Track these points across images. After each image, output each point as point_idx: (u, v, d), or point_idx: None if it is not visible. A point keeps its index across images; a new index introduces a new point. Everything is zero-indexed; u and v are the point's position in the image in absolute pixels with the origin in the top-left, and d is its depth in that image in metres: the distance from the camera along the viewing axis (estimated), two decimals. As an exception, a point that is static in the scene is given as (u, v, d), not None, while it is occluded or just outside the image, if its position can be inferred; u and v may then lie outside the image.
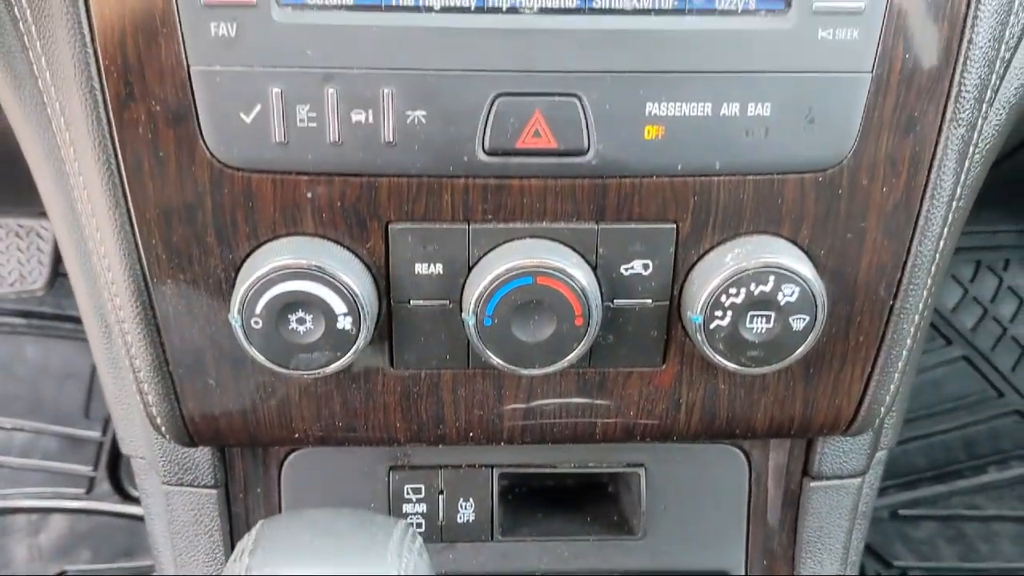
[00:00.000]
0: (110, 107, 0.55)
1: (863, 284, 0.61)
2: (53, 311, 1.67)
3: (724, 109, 0.56)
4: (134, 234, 0.58)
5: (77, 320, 1.61)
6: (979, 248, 1.70)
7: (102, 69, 0.54)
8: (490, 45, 0.54)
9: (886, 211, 0.59)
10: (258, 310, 0.56)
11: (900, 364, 0.65)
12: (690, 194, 0.58)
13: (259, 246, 0.58)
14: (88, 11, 0.53)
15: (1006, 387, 1.75)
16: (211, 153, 0.56)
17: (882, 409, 0.66)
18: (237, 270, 0.58)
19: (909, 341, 0.64)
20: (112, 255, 0.59)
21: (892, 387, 0.65)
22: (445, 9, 0.54)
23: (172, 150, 0.56)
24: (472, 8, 0.54)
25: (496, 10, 0.54)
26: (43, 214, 0.67)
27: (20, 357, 1.66)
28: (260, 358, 0.58)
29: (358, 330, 0.57)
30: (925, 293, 0.62)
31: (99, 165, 0.56)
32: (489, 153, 0.56)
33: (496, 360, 0.59)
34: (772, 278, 0.57)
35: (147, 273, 0.59)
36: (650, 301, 0.61)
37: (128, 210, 0.57)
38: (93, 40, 0.54)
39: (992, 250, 1.73)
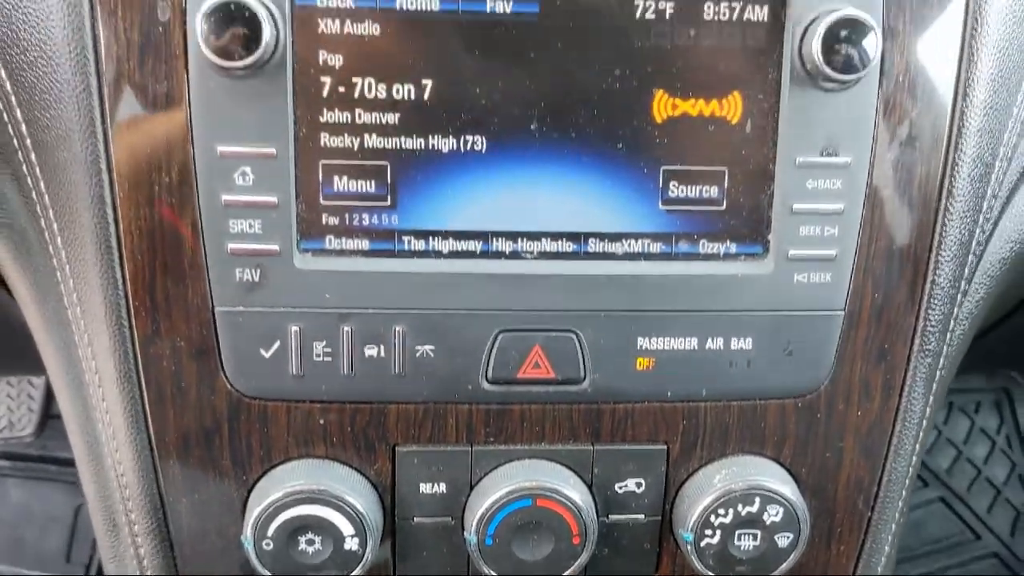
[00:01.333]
0: (137, 343, 0.59)
1: (842, 499, 0.65)
2: (39, 452, 1.67)
3: (709, 343, 0.60)
4: (152, 455, 0.61)
5: (63, 462, 1.62)
6: (951, 391, 1.75)
7: (132, 309, 0.58)
8: (494, 287, 0.59)
9: (861, 433, 0.63)
10: (270, 533, 0.59)
11: (879, 568, 0.68)
12: (679, 418, 0.62)
13: (271, 468, 0.61)
14: (121, 256, 0.57)
15: (983, 529, 1.77)
16: (231, 384, 0.59)
17: None
18: (249, 491, 0.61)
19: (887, 548, 0.68)
20: (130, 473, 0.62)
21: None
22: (453, 254, 0.59)
23: (194, 382, 0.59)
24: (477, 253, 0.59)
25: (499, 255, 0.59)
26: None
27: (3, 499, 1.66)
28: None
29: (364, 550, 0.60)
30: (901, 503, 0.66)
31: (123, 395, 0.60)
32: (492, 382, 0.60)
33: None
34: (758, 499, 0.61)
35: (163, 491, 0.62)
36: (643, 517, 0.64)
37: (148, 434, 0.60)
38: (124, 282, 0.58)
39: (963, 393, 1.78)
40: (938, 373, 0.64)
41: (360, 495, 0.60)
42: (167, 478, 0.61)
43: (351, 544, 0.60)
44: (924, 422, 0.65)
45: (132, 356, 0.59)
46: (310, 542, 0.60)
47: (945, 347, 0.64)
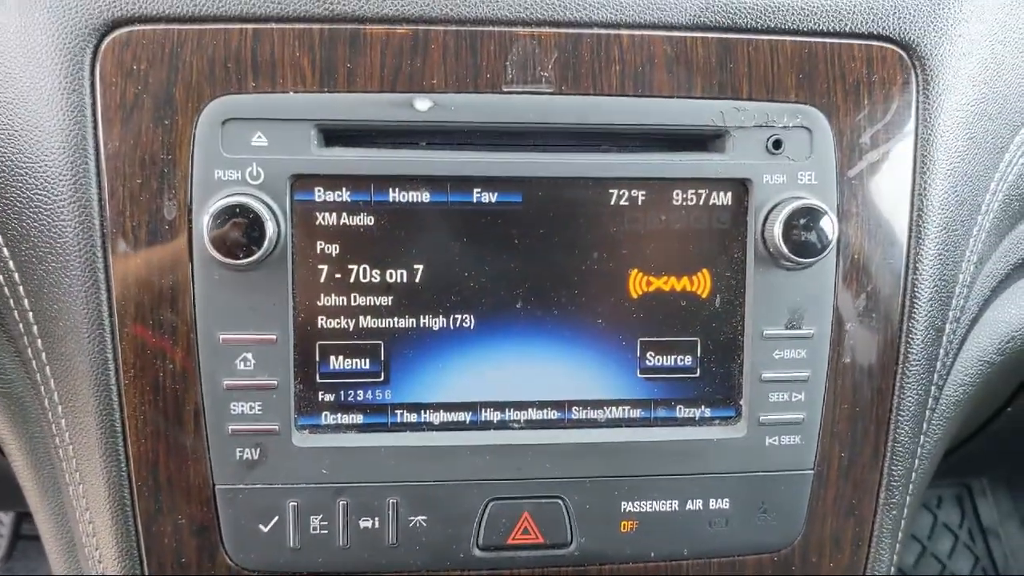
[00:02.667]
0: (139, 521, 0.60)
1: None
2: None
3: (689, 504, 0.64)
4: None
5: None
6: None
7: (135, 489, 0.60)
8: (484, 457, 0.61)
9: (835, 586, 0.67)
10: None
11: None
12: (663, 578, 0.65)
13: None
14: (125, 439, 0.60)
15: (951, 621, 1.79)
16: (230, 559, 0.61)
17: None
18: None
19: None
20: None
21: None
22: (443, 425, 0.62)
23: (195, 558, 0.61)
24: (467, 423, 0.62)
25: (488, 425, 0.62)
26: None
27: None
28: None
29: None
30: None
31: (124, 569, 0.61)
32: (483, 549, 0.63)
33: None
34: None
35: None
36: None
37: (149, 612, 0.62)
38: (128, 463, 0.60)
39: (927, 488, 1.82)
40: (903, 522, 0.68)
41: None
42: (164, 651, 0.63)
43: None
44: (893, 564, 0.68)
45: (134, 533, 0.61)
46: None
47: (908, 497, 0.68)
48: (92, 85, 0.57)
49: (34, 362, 0.61)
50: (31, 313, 0.60)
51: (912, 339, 0.64)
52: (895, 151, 0.63)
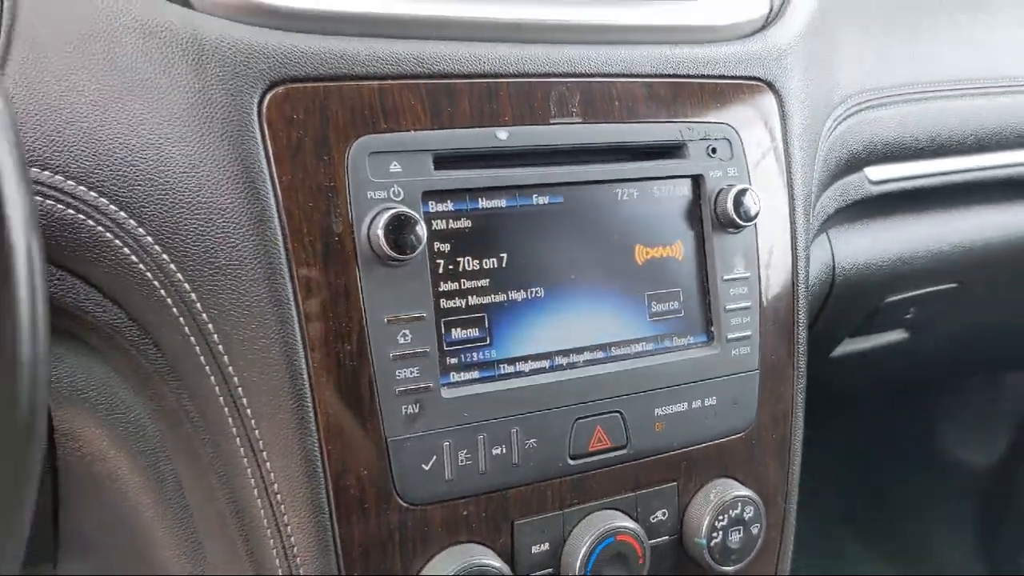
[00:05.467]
0: (329, 478, 0.74)
1: (772, 498, 0.97)
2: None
3: (693, 404, 0.90)
4: (339, 568, 0.76)
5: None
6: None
7: (325, 452, 0.74)
8: (565, 391, 0.83)
9: (775, 449, 0.96)
10: (446, 612, 0.77)
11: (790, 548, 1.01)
12: (681, 461, 0.90)
13: (431, 558, 0.79)
14: (316, 415, 0.74)
15: None
16: (401, 498, 0.77)
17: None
18: (416, 579, 0.79)
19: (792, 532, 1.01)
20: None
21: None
22: (532, 372, 0.83)
23: (374, 502, 0.76)
24: (548, 368, 0.83)
25: (561, 366, 0.84)
26: None
27: None
28: None
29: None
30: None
31: (313, 517, 0.74)
32: (572, 458, 0.84)
33: None
34: (739, 504, 0.91)
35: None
36: (667, 537, 0.90)
37: (336, 552, 0.75)
38: (319, 431, 0.74)
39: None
40: (803, 399, 1.00)
41: (501, 564, 0.80)
42: (350, 584, 0.76)
43: (498, 603, 0.79)
44: (799, 439, 0.99)
45: (325, 488, 0.74)
46: (471, 613, 0.78)
47: (803, 383, 1.00)
48: (261, 130, 0.72)
49: (226, 357, 0.73)
50: (216, 335, 0.73)
51: (797, 269, 0.97)
52: (774, 149, 0.96)
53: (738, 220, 0.90)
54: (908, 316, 1.45)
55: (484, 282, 0.81)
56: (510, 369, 0.82)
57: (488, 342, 0.81)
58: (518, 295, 0.83)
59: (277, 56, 0.74)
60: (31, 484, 0.44)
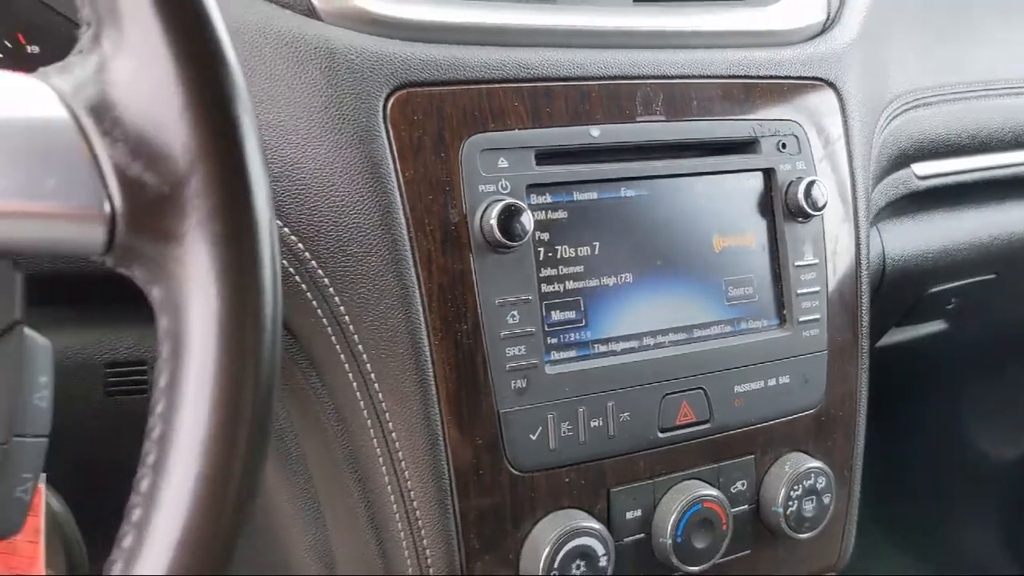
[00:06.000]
0: (449, 449, 0.81)
1: (840, 470, 1.03)
2: None
3: (768, 383, 0.97)
4: (457, 533, 0.82)
5: None
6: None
7: (445, 424, 0.81)
8: (655, 368, 0.90)
9: (842, 426, 1.03)
10: (556, 564, 0.83)
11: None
12: (758, 436, 0.97)
13: (537, 522, 0.85)
14: (436, 388, 0.81)
15: None
16: (511, 465, 0.84)
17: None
18: (521, 543, 0.85)
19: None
20: (438, 560, 0.82)
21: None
22: (624, 351, 0.90)
23: (488, 469, 0.83)
24: (638, 347, 0.90)
25: (649, 346, 0.91)
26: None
27: None
28: None
29: (609, 567, 0.86)
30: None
31: (434, 485, 0.81)
32: (661, 431, 0.91)
33: (687, 568, 0.91)
34: (812, 475, 0.97)
35: (462, 559, 0.83)
36: (747, 507, 0.97)
37: (455, 517, 0.82)
38: (439, 404, 0.81)
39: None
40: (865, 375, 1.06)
41: (601, 527, 0.86)
42: (468, 548, 0.83)
43: (603, 562, 0.86)
44: (864, 417, 1.06)
45: (445, 457, 0.81)
46: (577, 567, 0.85)
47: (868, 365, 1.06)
48: (386, 130, 0.80)
49: (356, 336, 0.80)
50: (344, 305, 0.80)
51: (860, 256, 1.03)
52: (837, 144, 1.03)
53: (808, 210, 0.97)
54: (949, 307, 1.52)
55: (579, 268, 0.88)
56: (604, 348, 0.89)
57: (584, 323, 0.88)
58: (609, 280, 0.90)
59: (398, 63, 0.81)
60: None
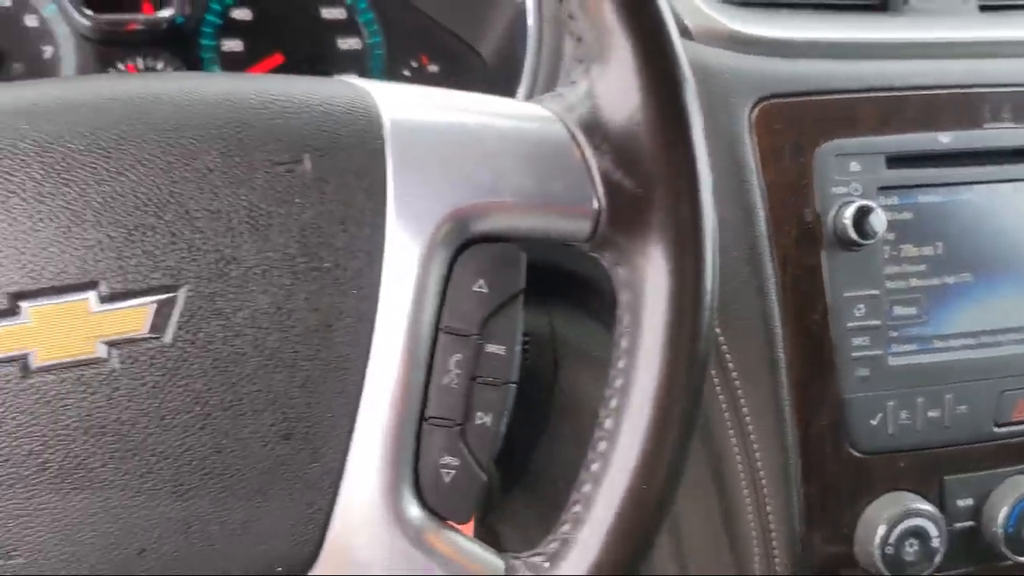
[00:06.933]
0: (796, 430, 0.90)
1: None
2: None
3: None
4: (796, 512, 0.91)
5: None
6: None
7: (795, 409, 0.90)
8: (991, 365, 0.94)
9: None
10: (891, 540, 0.90)
11: None
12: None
13: (872, 500, 0.92)
14: (787, 377, 0.89)
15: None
16: (852, 447, 0.91)
17: None
18: (855, 523, 0.92)
19: None
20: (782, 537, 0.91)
21: None
22: (961, 347, 0.94)
23: (831, 451, 0.91)
24: (974, 344, 0.94)
25: (986, 344, 0.95)
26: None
27: None
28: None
29: (942, 548, 0.91)
30: None
31: (781, 468, 0.90)
32: (996, 426, 0.95)
33: (1017, 558, 0.94)
34: None
35: (799, 533, 0.91)
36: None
37: (799, 496, 0.91)
38: (790, 388, 0.89)
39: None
40: None
41: (935, 509, 0.92)
42: (809, 520, 0.91)
43: (935, 543, 0.91)
44: None
45: (792, 437, 0.90)
46: (911, 545, 0.91)
47: None
48: (751, 138, 0.89)
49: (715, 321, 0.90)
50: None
51: None
52: None
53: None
54: None
55: (922, 267, 0.94)
56: (942, 344, 0.94)
57: (925, 319, 0.94)
58: (950, 279, 0.94)
59: (762, 78, 0.90)
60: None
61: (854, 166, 0.91)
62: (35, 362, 0.50)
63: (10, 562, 0.51)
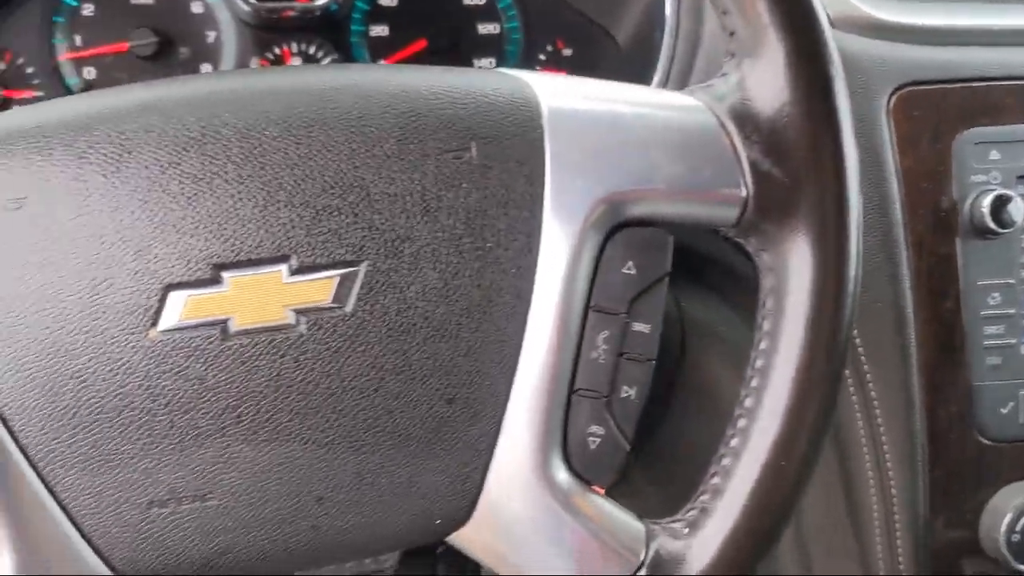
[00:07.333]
0: (924, 413, 0.91)
1: None
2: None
3: None
4: (922, 491, 0.92)
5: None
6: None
7: (923, 392, 0.91)
8: None
9: None
10: (1017, 529, 0.90)
11: None
12: None
13: (998, 489, 0.93)
14: (916, 360, 0.90)
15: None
16: (980, 434, 0.91)
17: None
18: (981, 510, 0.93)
19: None
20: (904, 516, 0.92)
21: None
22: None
23: (954, 436, 0.91)
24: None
25: None
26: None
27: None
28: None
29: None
30: None
31: (907, 449, 0.91)
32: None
33: None
34: None
35: (924, 513, 0.92)
36: None
37: (925, 479, 0.92)
38: (918, 372, 0.90)
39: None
40: None
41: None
42: (933, 504, 0.92)
43: (1051, 538, 0.91)
44: None
45: (919, 420, 0.91)
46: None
47: None
48: (888, 125, 0.90)
49: None
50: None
51: None
52: None
53: None
54: None
55: (1040, 261, 0.93)
56: (1068, 340, 0.93)
57: (1050, 314, 0.93)
58: (1072, 278, 0.93)
59: (901, 65, 0.91)
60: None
61: (994, 154, 0.91)
62: (234, 326, 0.56)
63: (206, 503, 0.57)
